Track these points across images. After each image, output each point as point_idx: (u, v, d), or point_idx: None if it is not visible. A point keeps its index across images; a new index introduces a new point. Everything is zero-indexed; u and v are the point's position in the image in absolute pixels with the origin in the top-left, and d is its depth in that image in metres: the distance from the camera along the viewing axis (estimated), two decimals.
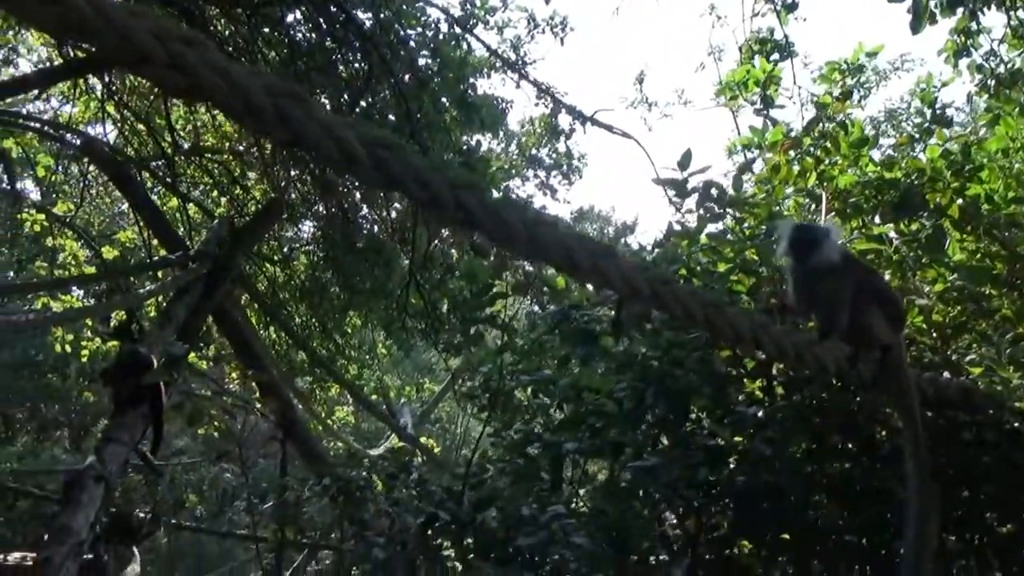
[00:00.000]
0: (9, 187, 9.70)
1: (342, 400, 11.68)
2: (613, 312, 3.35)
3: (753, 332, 2.38)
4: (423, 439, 12.02)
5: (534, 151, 12.23)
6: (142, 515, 5.34)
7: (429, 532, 3.67)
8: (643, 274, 2.13)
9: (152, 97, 9.31)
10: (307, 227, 10.97)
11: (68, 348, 11.69)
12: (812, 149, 4.44)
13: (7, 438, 15.54)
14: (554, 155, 12.10)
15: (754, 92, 5.02)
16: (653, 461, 3.08)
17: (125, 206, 13.11)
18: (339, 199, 8.43)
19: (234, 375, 10.57)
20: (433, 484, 4.21)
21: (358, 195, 8.35)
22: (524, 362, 4.02)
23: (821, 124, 4.58)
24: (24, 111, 10.48)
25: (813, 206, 4.43)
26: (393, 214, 7.99)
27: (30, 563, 5.42)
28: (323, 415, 10.17)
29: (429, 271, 7.59)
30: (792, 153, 4.46)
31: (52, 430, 17.71)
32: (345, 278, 8.29)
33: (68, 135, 9.36)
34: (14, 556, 6.38)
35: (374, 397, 11.40)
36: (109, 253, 10.74)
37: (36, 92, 9.33)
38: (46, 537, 4.48)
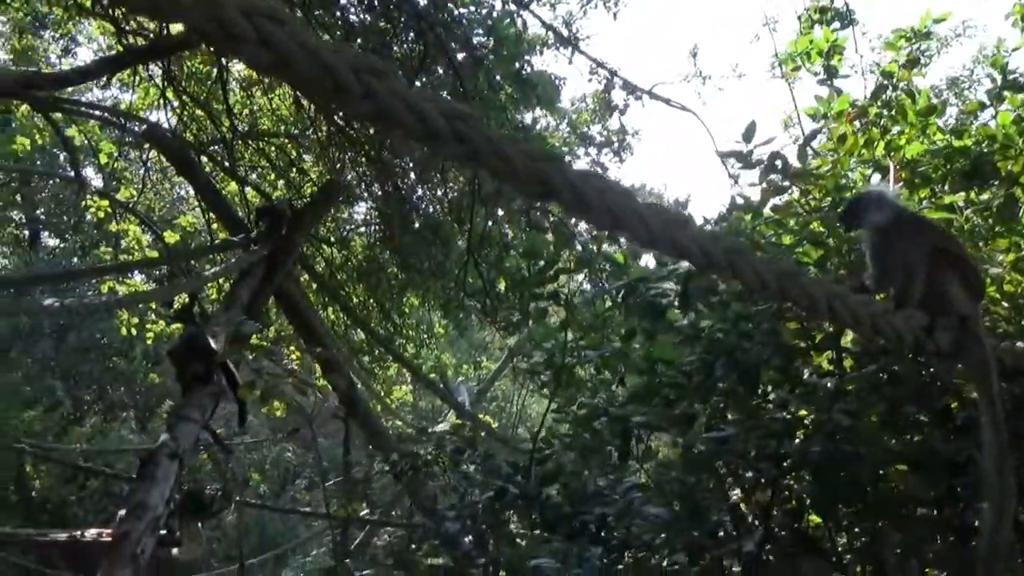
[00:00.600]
0: (73, 174, 9.93)
1: (400, 379, 11.81)
2: (680, 285, 3.34)
3: (828, 301, 2.36)
4: (480, 417, 12.13)
5: (586, 129, 12.18)
6: (213, 492, 5.48)
7: (497, 506, 3.71)
8: (718, 244, 2.12)
9: (210, 83, 9.48)
10: (362, 209, 11.10)
11: (133, 331, 11.99)
12: (879, 119, 4.35)
13: (76, 419, 16.00)
14: (605, 132, 12.03)
15: (817, 62, 4.92)
16: (728, 432, 3.07)
17: (185, 191, 13.39)
18: (396, 179, 8.50)
19: (295, 355, 10.75)
20: (498, 460, 4.25)
21: (413, 175, 8.41)
22: (587, 338, 4.02)
23: (887, 93, 4.49)
24: (85, 99, 10.74)
25: (880, 177, 4.35)
26: (450, 194, 8.03)
27: (108, 538, 5.61)
28: (382, 394, 10.29)
29: (486, 250, 7.61)
30: (857, 123, 4.38)
31: (118, 411, 18.20)
32: (402, 258, 8.36)
33: (129, 122, 9.56)
34: (91, 532, 6.59)
35: (431, 376, 11.51)
36: (171, 237, 10.97)
37: (98, 81, 9.52)
38: (123, 513, 4.60)
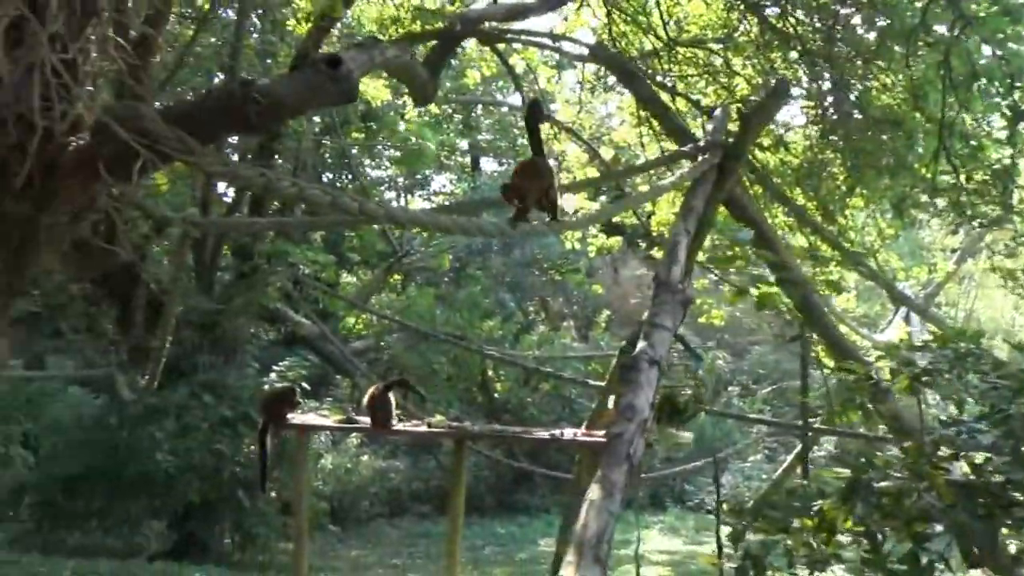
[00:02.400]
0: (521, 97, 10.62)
1: (842, 284, 11.22)
2: None
3: None
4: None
5: None
6: (686, 397, 5.64)
7: None
8: None
9: None
10: (792, 109, 10.55)
11: (577, 245, 12.76)
12: None
13: (525, 328, 17.54)
14: None
15: None
16: None
17: (615, 107, 13.74)
18: (841, 71, 7.93)
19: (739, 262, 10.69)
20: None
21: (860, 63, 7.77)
22: None
23: None
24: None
25: None
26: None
27: (602, 439, 6.05)
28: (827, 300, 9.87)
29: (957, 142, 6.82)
30: None
31: (558, 320, 19.64)
32: (853, 156, 7.83)
33: (565, 44, 10.00)
34: (568, 432, 7.16)
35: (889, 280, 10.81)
36: (605, 153, 11.38)
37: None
38: (615, 415, 4.85)
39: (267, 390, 7.46)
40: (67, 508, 10.01)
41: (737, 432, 17.04)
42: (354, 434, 12.81)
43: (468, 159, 23.21)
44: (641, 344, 5.32)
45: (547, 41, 9.50)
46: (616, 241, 12.27)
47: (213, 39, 11.00)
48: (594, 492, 3.47)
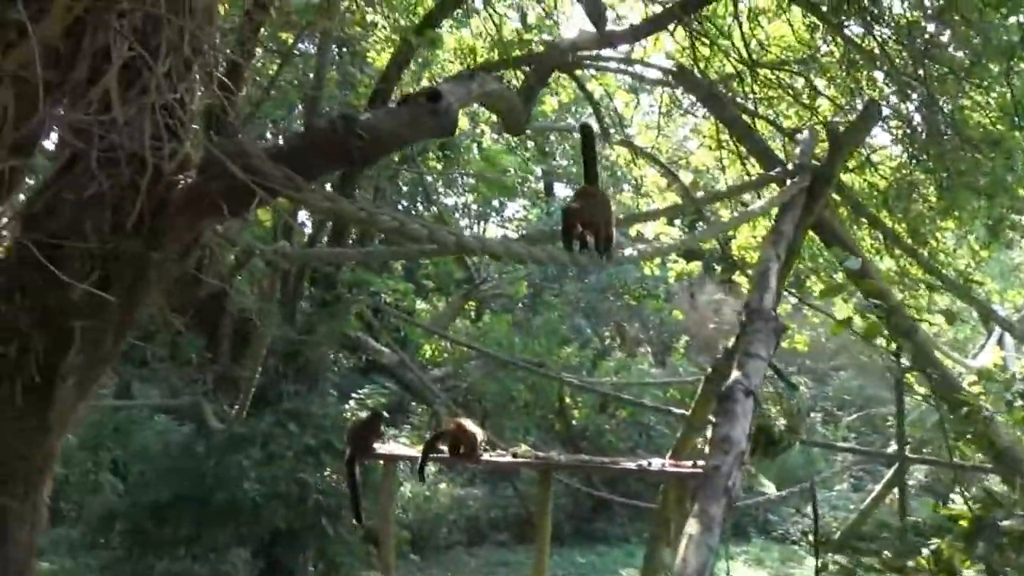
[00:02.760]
0: (599, 125, 10.61)
1: (931, 308, 10.87)
2: None
3: None
4: None
5: None
6: (780, 428, 5.51)
7: None
8: None
9: (718, 18, 9.42)
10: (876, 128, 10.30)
11: (656, 270, 12.64)
12: None
13: (601, 354, 17.41)
14: None
15: None
16: None
17: (687, 131, 13.62)
18: (928, 89, 7.73)
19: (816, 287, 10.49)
20: None
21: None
22: None
23: None
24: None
25: None
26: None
27: (691, 468, 5.94)
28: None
29: None
30: None
31: (634, 346, 19.46)
32: (946, 176, 7.61)
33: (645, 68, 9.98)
34: (656, 462, 7.04)
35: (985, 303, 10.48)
36: (684, 178, 11.27)
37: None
38: (707, 449, 4.75)
39: (354, 420, 7.51)
40: (156, 535, 10.19)
41: (822, 460, 16.60)
42: (432, 462, 12.81)
43: (541, 185, 23.23)
44: (736, 374, 5.19)
45: (630, 68, 9.49)
46: (695, 266, 12.12)
47: (293, 72, 11.25)
48: (692, 527, 3.37)
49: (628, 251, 6.13)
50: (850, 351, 19.77)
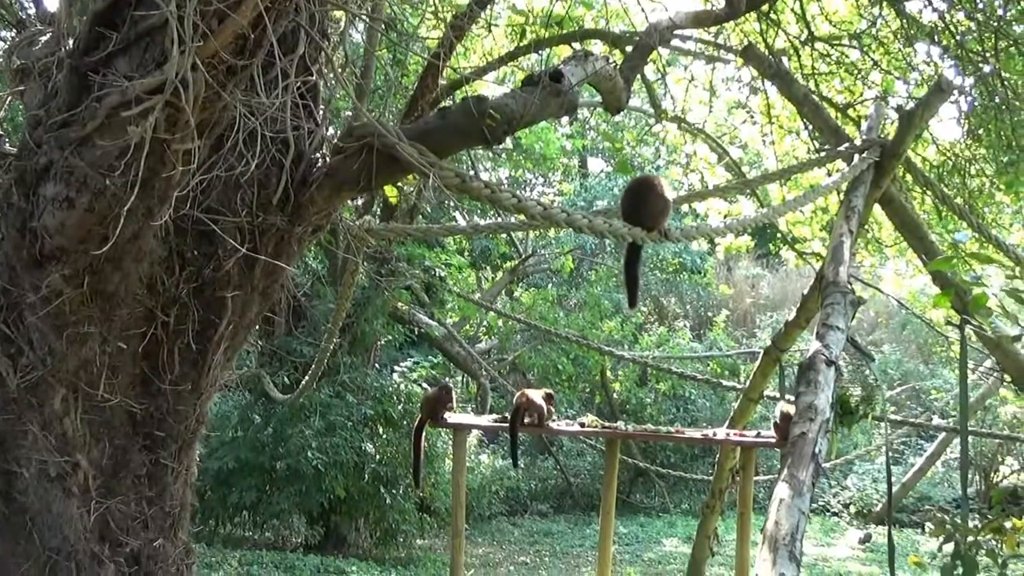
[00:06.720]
0: (651, 104, 10.70)
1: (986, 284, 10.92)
2: None
3: None
4: None
5: None
6: (857, 397, 5.63)
7: None
8: None
9: None
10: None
11: (705, 245, 12.72)
12: None
13: (642, 328, 17.57)
14: None
15: None
16: None
17: (737, 109, 13.64)
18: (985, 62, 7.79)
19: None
20: None
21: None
22: None
23: None
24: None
25: None
26: None
27: (764, 440, 6.10)
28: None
29: None
30: None
31: (672, 320, 19.59)
32: (1007, 150, 7.67)
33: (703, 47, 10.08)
34: (720, 431, 7.19)
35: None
36: (733, 154, 11.36)
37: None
38: (795, 416, 4.89)
39: (428, 391, 7.72)
40: (220, 501, 10.48)
41: (859, 434, 16.68)
42: (472, 434, 12.95)
43: (575, 160, 23.29)
44: (816, 345, 5.35)
45: (697, 48, 9.58)
46: (746, 242, 12.19)
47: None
48: (783, 491, 3.54)
49: (697, 225, 6.24)
50: (888, 326, 19.84)
